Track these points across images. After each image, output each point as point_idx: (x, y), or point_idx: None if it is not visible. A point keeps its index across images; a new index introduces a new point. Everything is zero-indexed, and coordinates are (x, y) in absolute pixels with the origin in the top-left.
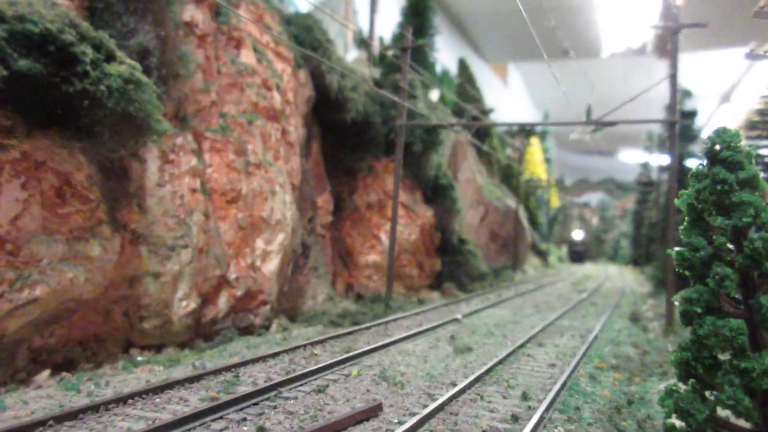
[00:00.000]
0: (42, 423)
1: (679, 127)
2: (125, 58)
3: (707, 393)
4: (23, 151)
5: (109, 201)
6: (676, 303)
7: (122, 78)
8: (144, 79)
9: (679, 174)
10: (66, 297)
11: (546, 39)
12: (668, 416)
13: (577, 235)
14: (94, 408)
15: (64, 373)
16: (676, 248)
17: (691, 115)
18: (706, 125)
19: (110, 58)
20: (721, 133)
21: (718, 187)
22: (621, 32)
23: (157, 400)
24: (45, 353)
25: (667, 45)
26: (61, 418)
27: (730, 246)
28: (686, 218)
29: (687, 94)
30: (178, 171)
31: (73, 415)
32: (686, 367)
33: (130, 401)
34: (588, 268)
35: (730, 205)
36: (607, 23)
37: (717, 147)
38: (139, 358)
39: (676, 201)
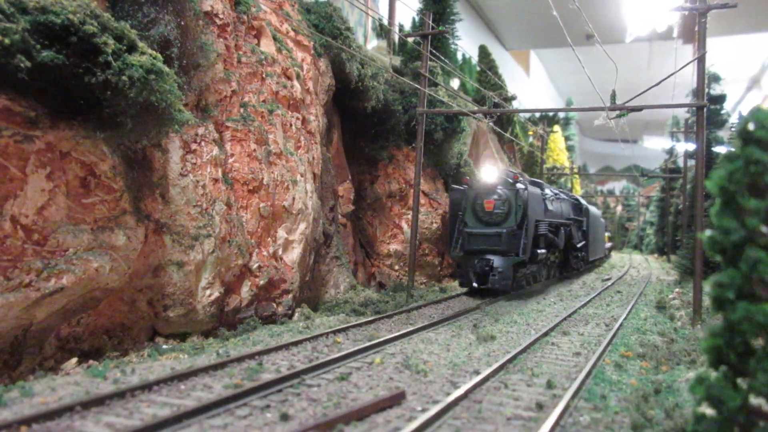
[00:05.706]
0: (69, 408)
1: (706, 111)
2: (146, 49)
3: (740, 380)
4: (48, 141)
5: (132, 191)
6: (708, 288)
7: (144, 68)
8: (165, 69)
9: (706, 160)
10: (92, 286)
11: (567, 24)
12: (698, 404)
13: (488, 175)
14: (120, 394)
15: (91, 361)
16: (708, 232)
17: (720, 99)
18: (735, 110)
19: (132, 48)
20: (755, 113)
21: (752, 168)
22: (646, 15)
23: (182, 387)
24: (72, 341)
25: (695, 28)
26: (88, 404)
27: (764, 229)
28: (718, 201)
29: (715, 78)
30: (200, 161)
31: (100, 401)
32: (718, 353)
33: (155, 388)
34: (612, 257)
35: (764, 187)
36: (631, 6)
37: (751, 126)
38: (164, 346)
39: (706, 183)
